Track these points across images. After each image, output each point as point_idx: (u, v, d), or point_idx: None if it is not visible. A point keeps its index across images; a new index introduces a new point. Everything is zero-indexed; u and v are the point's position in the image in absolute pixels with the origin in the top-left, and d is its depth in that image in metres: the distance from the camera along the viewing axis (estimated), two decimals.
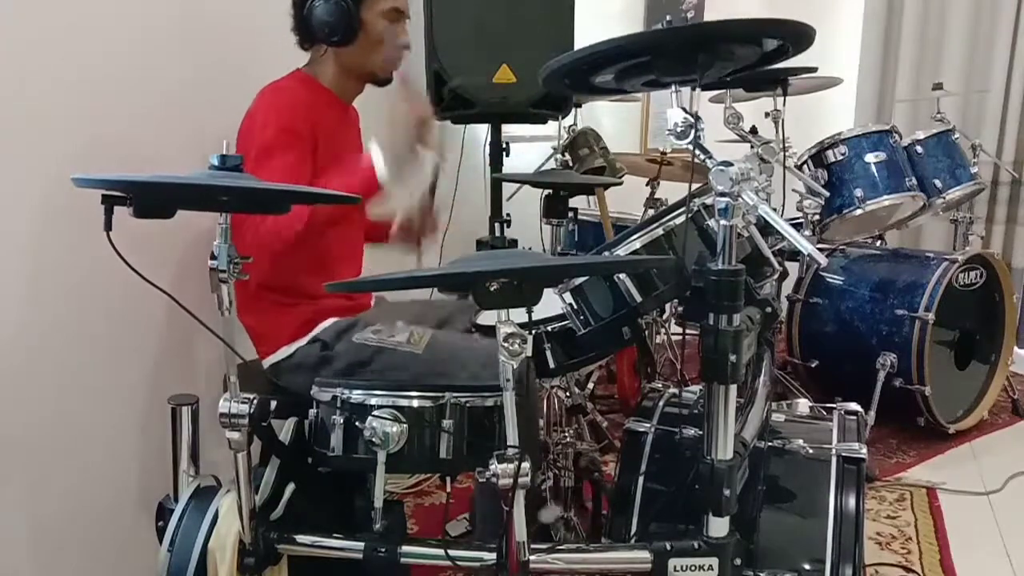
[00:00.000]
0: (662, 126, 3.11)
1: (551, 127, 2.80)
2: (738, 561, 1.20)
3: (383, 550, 1.26)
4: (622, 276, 1.29)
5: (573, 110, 2.87)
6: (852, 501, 1.37)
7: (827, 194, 2.70)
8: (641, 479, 1.48)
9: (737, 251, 1.14)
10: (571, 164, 2.90)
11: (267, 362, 1.65)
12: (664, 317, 2.89)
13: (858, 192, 2.75)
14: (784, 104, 2.49)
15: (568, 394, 2.03)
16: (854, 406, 1.64)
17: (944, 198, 2.87)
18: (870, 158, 2.78)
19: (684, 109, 1.17)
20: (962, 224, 3.10)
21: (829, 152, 2.83)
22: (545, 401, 1.96)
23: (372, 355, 1.56)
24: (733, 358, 1.12)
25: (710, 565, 1.19)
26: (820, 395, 2.86)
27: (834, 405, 1.65)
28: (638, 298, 1.29)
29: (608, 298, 1.31)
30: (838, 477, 1.40)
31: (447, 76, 2.41)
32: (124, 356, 1.70)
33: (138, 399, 1.74)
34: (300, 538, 1.32)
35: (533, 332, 1.37)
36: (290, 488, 1.38)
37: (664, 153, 3.04)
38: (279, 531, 1.31)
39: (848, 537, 1.32)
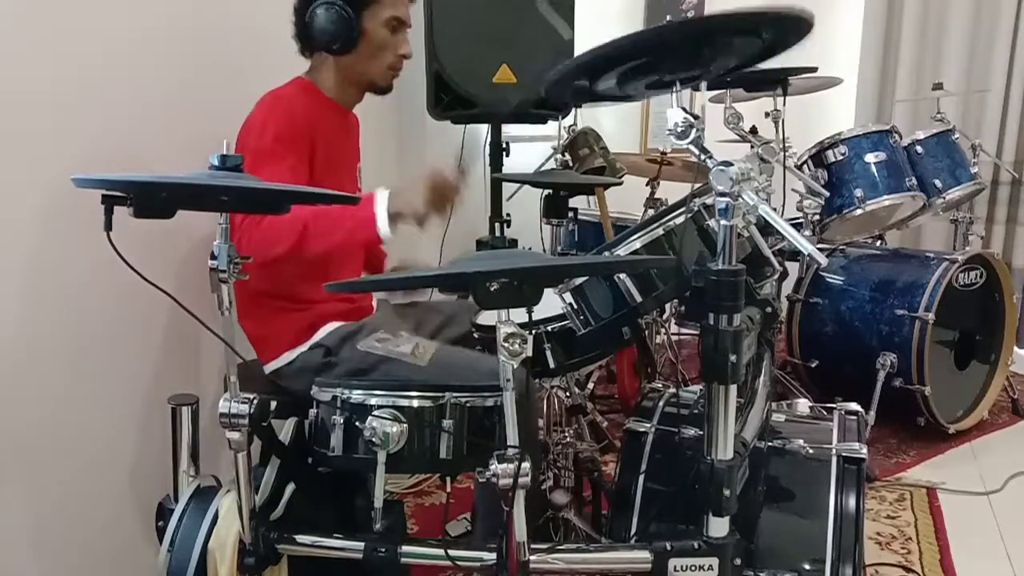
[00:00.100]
0: (662, 126, 3.11)
1: (551, 127, 2.80)
2: (738, 561, 1.20)
3: (383, 550, 1.26)
4: (622, 276, 1.29)
5: (573, 110, 2.87)
6: (852, 501, 1.37)
7: (827, 194, 2.69)
8: (641, 479, 1.48)
9: (737, 251, 1.14)
10: (571, 164, 2.90)
11: (268, 368, 1.65)
12: (664, 317, 2.89)
13: (858, 192, 2.75)
14: (784, 104, 2.49)
15: (568, 394, 2.04)
16: (854, 406, 1.64)
17: (944, 198, 2.87)
18: (870, 158, 2.78)
19: (684, 109, 1.17)
20: (962, 224, 3.09)
21: (829, 152, 2.83)
22: (545, 401, 1.96)
23: (376, 363, 1.56)
24: (733, 358, 1.12)
25: (710, 565, 1.19)
26: (820, 395, 2.87)
27: (834, 405, 1.65)
28: (638, 298, 1.29)
29: (608, 298, 1.31)
30: (838, 477, 1.40)
31: (447, 76, 2.41)
32: (124, 356, 1.70)
33: (138, 399, 1.73)
34: (300, 538, 1.32)
35: (533, 332, 1.37)
36: (290, 488, 1.38)
37: (664, 153, 3.04)
38: (279, 531, 1.31)
39: (848, 537, 1.32)
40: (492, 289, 1.03)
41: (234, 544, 1.29)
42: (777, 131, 2.47)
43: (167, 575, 1.32)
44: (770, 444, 1.46)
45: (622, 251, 1.34)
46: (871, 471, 2.48)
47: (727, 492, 1.15)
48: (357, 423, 1.27)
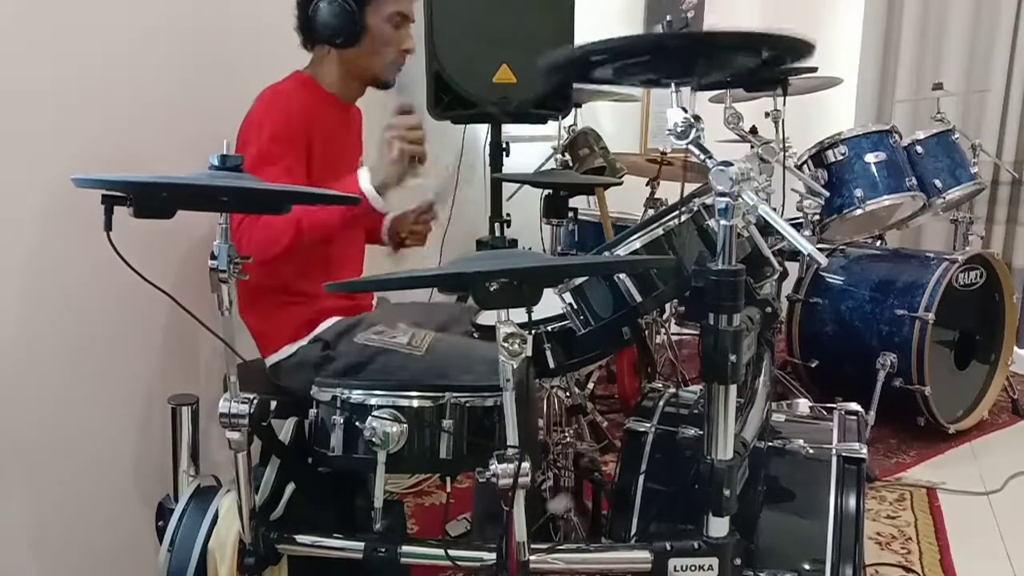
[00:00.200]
0: (662, 126, 3.11)
1: (551, 127, 2.80)
2: (738, 561, 1.20)
3: (383, 550, 1.26)
4: (622, 276, 1.29)
5: (573, 110, 2.87)
6: (852, 501, 1.37)
7: (827, 194, 2.69)
8: (641, 479, 1.48)
9: (737, 251, 1.13)
10: (571, 164, 2.90)
11: (269, 361, 1.66)
12: (664, 317, 2.89)
13: (858, 192, 2.75)
14: (784, 104, 2.48)
15: (568, 394, 2.03)
16: (854, 406, 1.64)
17: (944, 198, 2.87)
18: (870, 158, 2.78)
19: (684, 109, 1.17)
20: (962, 224, 3.10)
21: (829, 152, 2.83)
22: (545, 401, 1.96)
23: (373, 355, 1.56)
24: (733, 358, 1.12)
25: (710, 565, 1.19)
26: (820, 395, 2.86)
27: (834, 405, 1.65)
28: (638, 298, 1.29)
29: (608, 298, 1.31)
30: (838, 477, 1.40)
31: (447, 76, 2.41)
32: (124, 356, 1.70)
33: (138, 399, 1.74)
34: (300, 538, 1.32)
35: (533, 332, 1.37)
36: (290, 488, 1.38)
37: (664, 153, 3.04)
38: (279, 531, 1.31)
39: (848, 537, 1.32)
40: (492, 289, 1.03)
41: (234, 544, 1.29)
42: (777, 131, 2.46)
43: (167, 575, 1.32)
44: (770, 444, 1.46)
45: (622, 251, 1.34)
46: (871, 471, 2.48)
47: (727, 492, 1.15)
48: (357, 423, 1.26)
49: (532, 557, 1.15)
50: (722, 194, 1.11)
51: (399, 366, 1.53)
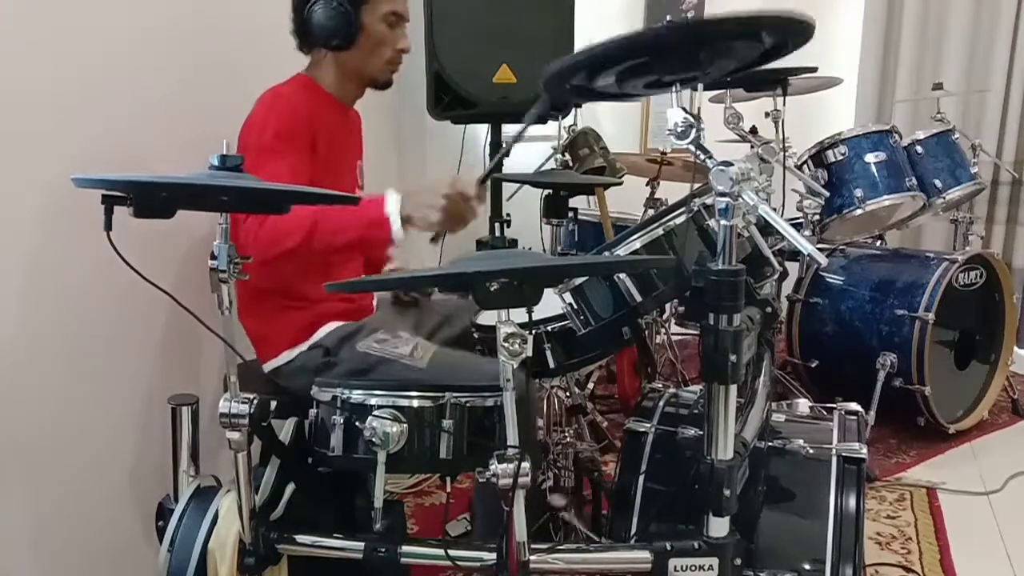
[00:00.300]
0: (662, 126, 3.11)
1: (551, 127, 2.80)
2: (738, 561, 1.20)
3: (383, 550, 1.26)
4: (622, 276, 1.29)
5: (573, 110, 2.87)
6: (852, 501, 1.37)
7: (827, 194, 2.69)
8: (641, 479, 1.48)
9: (737, 251, 1.13)
10: (571, 164, 2.90)
11: (268, 366, 1.65)
12: (664, 317, 2.89)
13: (858, 192, 2.75)
14: (784, 104, 2.49)
15: (568, 394, 2.04)
16: (854, 406, 1.64)
17: (944, 198, 2.87)
18: (870, 158, 2.78)
19: (684, 109, 1.17)
20: (962, 224, 3.09)
21: (829, 152, 2.83)
22: (545, 401, 1.96)
23: (375, 364, 1.56)
24: (733, 358, 1.12)
25: (710, 565, 1.19)
26: (820, 395, 2.86)
27: (834, 405, 1.65)
28: (638, 298, 1.29)
29: (608, 298, 1.31)
30: (838, 477, 1.40)
31: (447, 76, 2.41)
32: (124, 356, 1.70)
33: (138, 399, 1.73)
34: (300, 538, 1.32)
35: (533, 332, 1.37)
36: (290, 488, 1.38)
37: (664, 153, 3.04)
38: (279, 531, 1.31)
39: (848, 537, 1.32)
40: (492, 289, 1.03)
41: (234, 544, 1.29)
42: (777, 131, 2.46)
43: (167, 575, 1.32)
44: (770, 444, 1.46)
45: (622, 251, 1.34)
46: (871, 471, 2.48)
47: (727, 492, 1.15)
48: (357, 423, 1.27)
49: (532, 557, 1.15)
50: (722, 194, 1.11)
51: (399, 377, 1.52)
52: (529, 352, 1.04)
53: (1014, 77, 3.59)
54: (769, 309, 1.30)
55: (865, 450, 1.43)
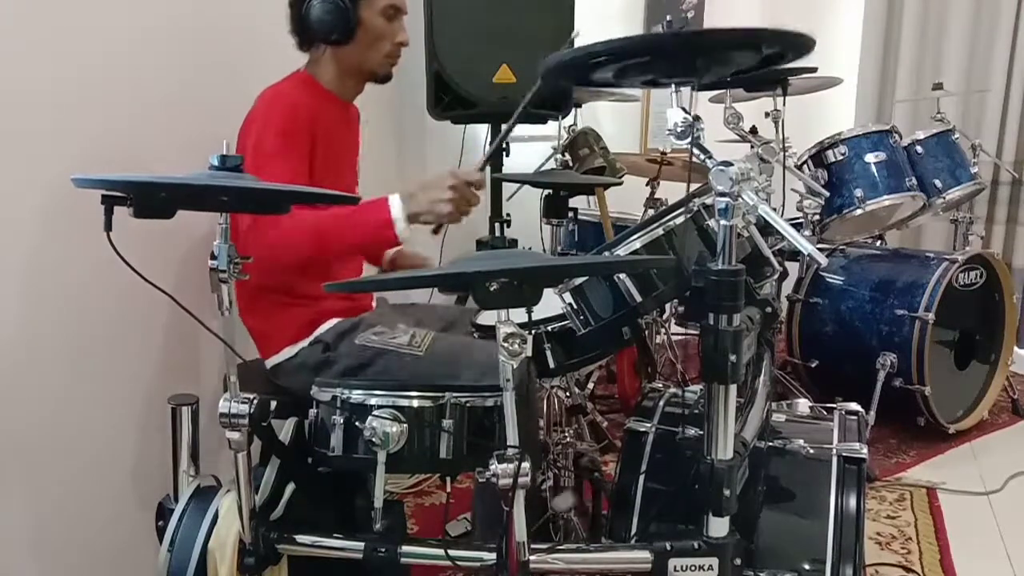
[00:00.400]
0: (662, 126, 3.11)
1: (551, 127, 2.80)
2: (738, 561, 1.20)
3: (383, 550, 1.26)
4: (622, 276, 1.29)
5: (573, 110, 2.87)
6: (852, 501, 1.37)
7: (827, 194, 2.69)
8: (641, 479, 1.48)
9: (737, 251, 1.13)
10: (571, 164, 2.90)
11: (269, 363, 1.66)
12: (664, 317, 2.89)
13: (858, 192, 2.75)
14: (784, 104, 2.49)
15: (568, 394, 2.03)
16: (854, 406, 1.64)
17: (944, 198, 2.87)
18: (870, 158, 2.78)
19: (684, 109, 1.17)
20: (962, 224, 3.10)
21: (829, 152, 2.83)
22: (545, 401, 1.96)
23: (374, 357, 1.56)
24: (733, 358, 1.12)
25: (710, 565, 1.19)
26: (820, 395, 2.87)
27: (834, 405, 1.65)
28: (638, 298, 1.29)
29: (608, 298, 1.31)
30: (838, 477, 1.40)
31: (447, 76, 2.41)
32: (124, 356, 1.70)
33: (138, 399, 1.73)
34: (300, 538, 1.32)
35: (533, 332, 1.37)
36: (290, 488, 1.38)
37: (664, 153, 3.04)
38: (279, 531, 1.31)
39: (848, 537, 1.32)
40: (492, 289, 1.03)
41: (234, 544, 1.29)
42: (777, 131, 2.47)
43: (167, 575, 1.32)
44: (770, 444, 1.46)
45: (622, 251, 1.34)
46: (871, 471, 2.48)
47: (727, 492, 1.15)
48: (357, 423, 1.26)
49: (532, 557, 1.15)
50: (722, 194, 1.11)
51: (400, 367, 1.53)
52: (529, 352, 1.04)
53: (1014, 77, 3.59)
54: (769, 309, 1.30)
55: (865, 450, 1.43)
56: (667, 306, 2.60)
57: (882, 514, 2.31)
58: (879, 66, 3.95)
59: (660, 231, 1.32)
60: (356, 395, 1.29)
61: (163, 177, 1.15)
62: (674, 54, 1.15)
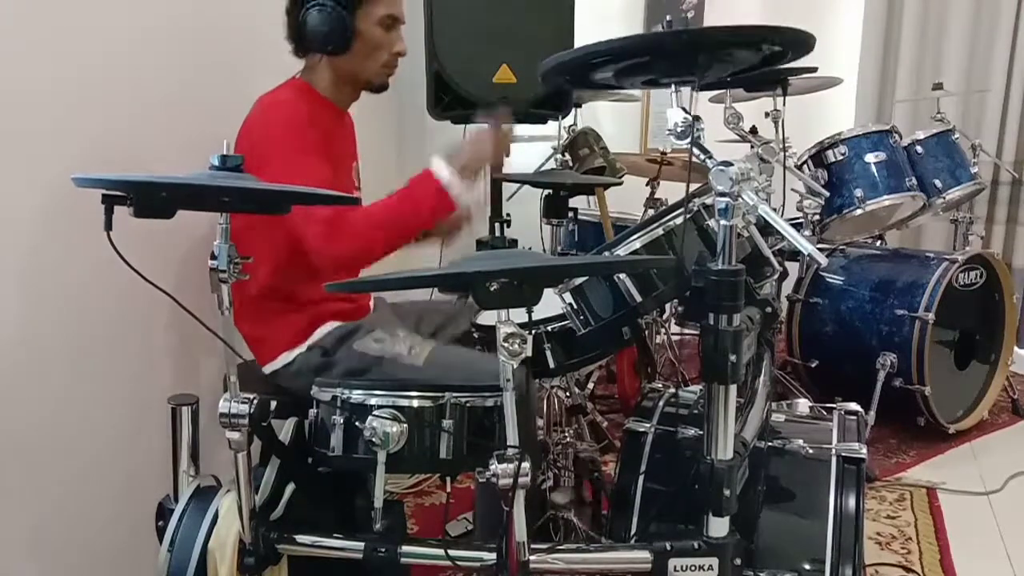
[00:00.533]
0: (662, 126, 3.11)
1: (551, 127, 2.80)
2: (738, 561, 1.20)
3: (383, 550, 1.26)
4: (622, 276, 1.29)
5: (573, 110, 2.87)
6: (852, 501, 1.37)
7: (827, 194, 2.69)
8: (641, 479, 1.48)
9: (737, 251, 1.14)
10: (571, 164, 2.90)
11: (267, 369, 1.65)
12: (664, 317, 2.89)
13: (858, 192, 2.75)
14: (784, 104, 2.49)
15: (568, 394, 2.04)
16: (854, 406, 1.64)
17: (944, 198, 2.87)
18: (870, 158, 2.78)
19: (684, 109, 1.17)
20: (962, 224, 3.10)
21: (829, 152, 2.83)
22: (545, 401, 1.96)
23: (372, 364, 1.56)
24: (733, 358, 1.12)
25: (710, 565, 1.19)
26: (820, 395, 2.87)
27: (834, 405, 1.65)
28: (638, 298, 1.29)
29: (608, 298, 1.31)
30: (838, 477, 1.40)
31: (447, 76, 2.41)
32: (124, 356, 1.70)
33: (138, 399, 1.73)
34: (300, 538, 1.32)
35: (533, 332, 1.37)
36: (290, 488, 1.38)
37: (664, 153, 3.04)
38: (279, 531, 1.31)
39: (848, 537, 1.32)
40: (492, 289, 1.03)
41: (234, 544, 1.29)
42: (777, 131, 2.47)
43: (167, 575, 1.32)
44: (770, 444, 1.46)
45: (622, 251, 1.34)
46: (871, 471, 2.49)
47: (727, 492, 1.15)
48: (357, 423, 1.27)
49: (532, 557, 1.15)
50: (722, 194, 1.11)
51: (397, 376, 1.53)
52: (529, 352, 1.04)
53: (1014, 77, 3.59)
54: (769, 309, 1.30)
55: (865, 450, 1.43)
56: (667, 306, 2.61)
57: (882, 514, 2.31)
58: (879, 66, 3.95)
59: (660, 231, 1.32)
60: (356, 395, 1.29)
61: (163, 177, 1.15)
62: (674, 54, 1.15)
